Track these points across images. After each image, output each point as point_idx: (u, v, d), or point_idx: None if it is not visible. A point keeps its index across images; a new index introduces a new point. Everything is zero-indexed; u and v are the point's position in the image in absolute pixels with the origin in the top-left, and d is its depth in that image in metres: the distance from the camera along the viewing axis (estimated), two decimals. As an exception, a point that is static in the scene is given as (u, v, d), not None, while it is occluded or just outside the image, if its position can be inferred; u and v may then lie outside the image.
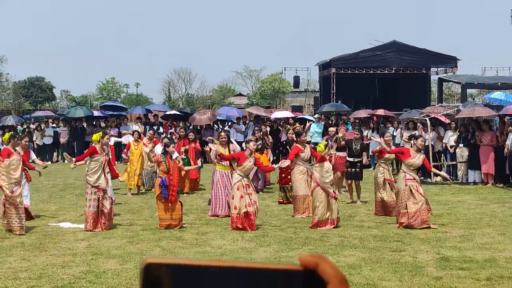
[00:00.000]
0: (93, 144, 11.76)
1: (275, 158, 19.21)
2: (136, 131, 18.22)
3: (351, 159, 14.75)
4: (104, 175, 11.39)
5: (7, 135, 11.86)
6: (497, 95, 21.41)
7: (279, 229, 11.33)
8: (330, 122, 23.82)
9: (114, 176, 12.36)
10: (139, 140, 16.77)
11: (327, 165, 11.85)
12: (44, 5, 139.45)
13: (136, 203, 14.75)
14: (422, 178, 18.90)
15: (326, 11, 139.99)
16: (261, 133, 17.69)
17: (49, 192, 16.48)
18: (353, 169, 14.64)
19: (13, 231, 10.80)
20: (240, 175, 11.27)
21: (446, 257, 9.06)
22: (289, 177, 14.06)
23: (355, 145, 14.71)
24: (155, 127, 24.66)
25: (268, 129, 24.59)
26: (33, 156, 13.66)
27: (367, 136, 22.48)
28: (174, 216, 11.23)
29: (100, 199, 11.16)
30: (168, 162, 11.39)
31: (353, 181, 14.68)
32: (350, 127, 22.91)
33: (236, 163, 11.61)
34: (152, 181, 16.54)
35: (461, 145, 18.46)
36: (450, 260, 8.88)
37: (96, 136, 11.75)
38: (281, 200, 14.63)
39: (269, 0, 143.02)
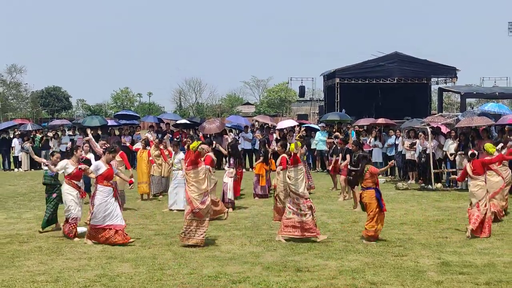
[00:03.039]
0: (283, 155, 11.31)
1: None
2: (144, 139, 18.05)
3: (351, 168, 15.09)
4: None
5: (195, 143, 10.70)
6: (490, 107, 21.21)
7: (286, 234, 11.29)
8: (334, 131, 23.74)
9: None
10: (147, 148, 16.69)
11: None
12: (61, 18, 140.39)
13: (148, 209, 14.76)
14: (423, 185, 18.87)
15: (331, 24, 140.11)
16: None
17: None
18: (349, 177, 14.93)
19: (190, 243, 10.15)
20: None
21: (446, 261, 9.02)
22: None
23: (354, 155, 14.90)
24: (166, 135, 24.67)
25: (276, 135, 24.59)
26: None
27: (369, 143, 22.45)
28: (379, 227, 10.66)
29: (314, 208, 10.74)
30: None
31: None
32: (354, 135, 22.86)
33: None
34: (161, 187, 16.56)
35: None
36: (450, 264, 8.84)
37: (293, 146, 11.02)
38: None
39: (276, 12, 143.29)
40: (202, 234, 10.19)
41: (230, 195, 14.26)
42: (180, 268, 8.69)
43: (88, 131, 15.89)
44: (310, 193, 16.85)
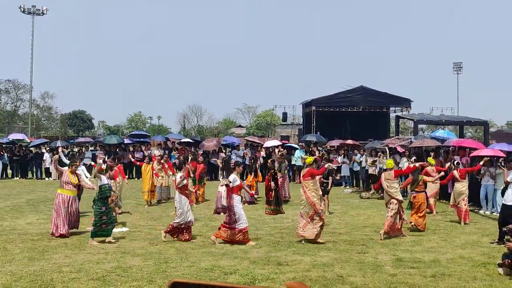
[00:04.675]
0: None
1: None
2: (147, 156, 18.19)
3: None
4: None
5: (310, 158, 10.76)
6: (440, 133, 21.43)
7: (269, 234, 11.32)
8: (310, 149, 23.83)
9: None
10: (150, 162, 16.71)
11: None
12: (84, 53, 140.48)
13: (156, 212, 14.72)
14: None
15: (308, 62, 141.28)
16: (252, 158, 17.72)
17: (87, 203, 16.24)
18: (322, 187, 14.99)
19: (310, 238, 10.29)
20: None
21: (400, 258, 9.07)
22: (270, 192, 14.83)
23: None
24: (172, 152, 24.65)
25: (263, 153, 24.67)
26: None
27: (337, 160, 22.52)
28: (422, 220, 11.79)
29: (402, 211, 11.08)
30: None
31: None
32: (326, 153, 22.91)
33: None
34: (164, 194, 16.59)
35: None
36: (403, 260, 8.89)
37: (390, 162, 11.46)
38: (268, 212, 14.66)
39: (265, 51, 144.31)
40: (320, 230, 10.34)
41: (223, 201, 14.25)
42: (181, 262, 8.68)
43: (59, 152, 14.97)
44: (287, 201, 16.94)
